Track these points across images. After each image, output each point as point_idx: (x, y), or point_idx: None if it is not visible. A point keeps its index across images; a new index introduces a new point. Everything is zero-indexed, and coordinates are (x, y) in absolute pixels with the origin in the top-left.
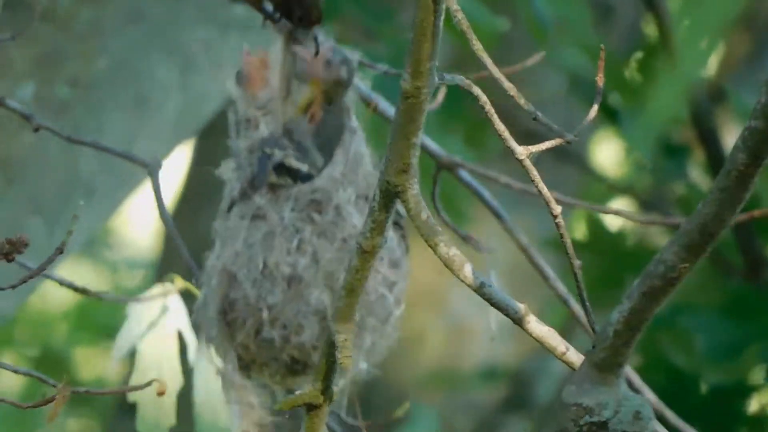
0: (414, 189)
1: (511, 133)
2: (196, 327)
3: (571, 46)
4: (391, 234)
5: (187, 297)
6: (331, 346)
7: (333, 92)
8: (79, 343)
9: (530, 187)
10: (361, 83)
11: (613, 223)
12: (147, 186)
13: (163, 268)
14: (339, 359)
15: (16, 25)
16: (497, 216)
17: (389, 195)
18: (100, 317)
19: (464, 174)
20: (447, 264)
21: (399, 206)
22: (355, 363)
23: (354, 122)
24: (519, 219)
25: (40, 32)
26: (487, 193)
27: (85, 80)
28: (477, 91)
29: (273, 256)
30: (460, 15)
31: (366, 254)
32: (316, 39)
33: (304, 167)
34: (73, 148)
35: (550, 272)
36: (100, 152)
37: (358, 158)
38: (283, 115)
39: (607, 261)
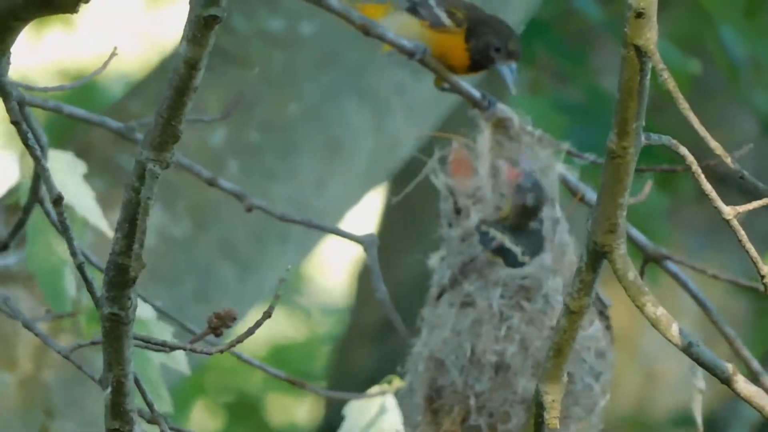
0: (621, 249)
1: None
2: (402, 414)
3: (763, 88)
4: (597, 324)
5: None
6: (539, 407)
7: (520, 215)
8: (274, 388)
9: (736, 279)
10: (568, 173)
11: None
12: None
13: (356, 313)
14: (547, 420)
15: (210, 70)
16: (704, 308)
17: (597, 255)
18: (294, 362)
19: (671, 266)
20: (654, 324)
21: (603, 295)
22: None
23: (558, 212)
24: (717, 256)
25: (233, 76)
26: (693, 285)
27: (277, 124)
28: (683, 151)
29: (481, 343)
30: (666, 74)
31: (573, 314)
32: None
33: (518, 250)
34: (265, 192)
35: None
36: (293, 196)
37: (563, 248)
38: (492, 203)
39: None
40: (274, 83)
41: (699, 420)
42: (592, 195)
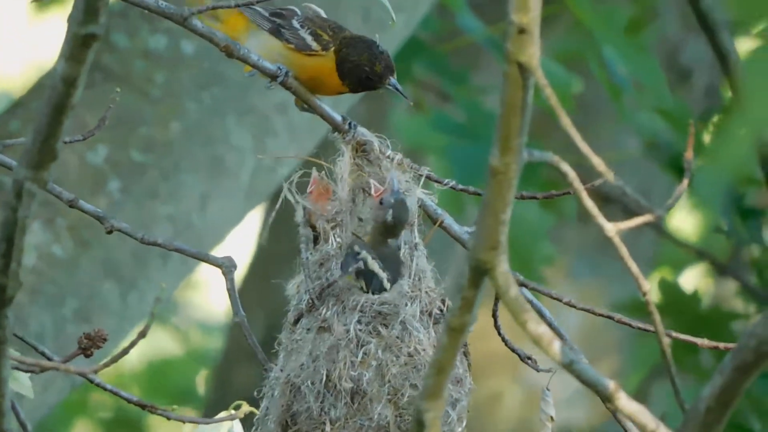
0: (503, 266)
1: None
2: None
3: (647, 109)
4: None
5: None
6: (420, 425)
7: (380, 233)
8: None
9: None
10: (428, 198)
11: (688, 285)
12: (219, 250)
13: (234, 331)
14: None
15: (91, 88)
16: (560, 336)
17: (479, 272)
18: (172, 380)
19: (526, 293)
20: (536, 341)
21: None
22: None
23: (417, 238)
24: (595, 281)
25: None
26: (547, 312)
27: (159, 143)
28: (565, 168)
29: (337, 368)
30: (548, 91)
31: (455, 332)
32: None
33: (385, 276)
34: (147, 213)
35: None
36: (175, 216)
37: (421, 273)
38: (351, 227)
39: (683, 323)
40: (155, 102)
41: None
42: (450, 220)
